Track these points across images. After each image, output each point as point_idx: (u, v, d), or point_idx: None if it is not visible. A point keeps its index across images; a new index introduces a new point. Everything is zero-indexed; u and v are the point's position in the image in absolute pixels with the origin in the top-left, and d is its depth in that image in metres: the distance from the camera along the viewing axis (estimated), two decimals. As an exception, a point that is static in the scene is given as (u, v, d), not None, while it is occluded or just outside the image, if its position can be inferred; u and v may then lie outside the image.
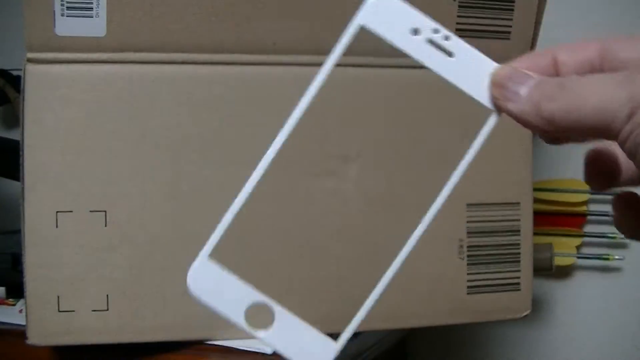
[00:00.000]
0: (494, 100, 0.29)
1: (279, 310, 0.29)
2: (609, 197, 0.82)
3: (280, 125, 0.31)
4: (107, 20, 0.51)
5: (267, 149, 0.31)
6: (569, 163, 0.84)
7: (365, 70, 0.55)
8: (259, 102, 0.54)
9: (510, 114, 0.29)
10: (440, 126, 0.57)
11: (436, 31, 0.29)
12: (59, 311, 0.51)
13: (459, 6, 0.55)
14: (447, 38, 0.29)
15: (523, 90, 0.28)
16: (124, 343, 0.53)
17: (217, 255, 0.29)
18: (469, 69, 0.29)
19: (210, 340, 0.54)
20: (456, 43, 0.29)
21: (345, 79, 0.55)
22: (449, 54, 0.29)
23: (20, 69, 0.51)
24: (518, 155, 0.59)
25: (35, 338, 0.51)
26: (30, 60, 0.51)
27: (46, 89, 0.51)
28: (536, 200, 0.76)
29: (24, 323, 0.51)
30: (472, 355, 0.90)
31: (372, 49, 0.55)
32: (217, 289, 0.28)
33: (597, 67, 0.29)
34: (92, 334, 0.52)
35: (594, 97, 0.26)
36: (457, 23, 0.56)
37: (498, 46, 0.57)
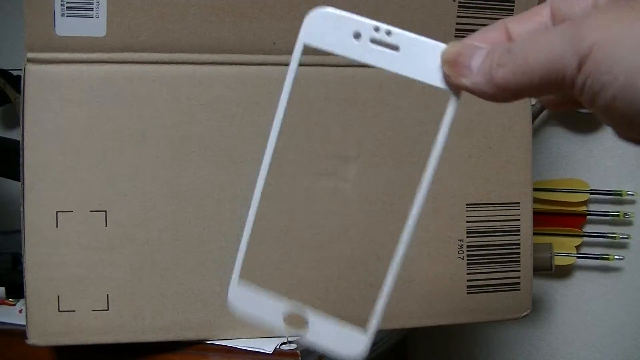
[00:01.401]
0: (448, 79, 0.29)
1: (310, 312, 0.31)
2: (609, 197, 0.82)
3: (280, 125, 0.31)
4: (107, 20, 0.51)
5: (266, 149, 0.32)
6: (569, 163, 0.84)
7: (366, 70, 0.55)
8: (259, 102, 0.54)
9: (466, 89, 0.28)
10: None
11: (377, 29, 0.29)
12: (59, 311, 0.51)
13: (459, 6, 0.55)
14: (388, 33, 0.29)
15: (474, 63, 0.28)
16: (124, 343, 0.53)
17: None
18: (419, 57, 0.29)
19: (210, 340, 0.54)
20: (399, 35, 0.29)
21: (345, 79, 0.55)
22: (395, 47, 0.29)
23: (20, 69, 0.51)
24: (518, 155, 0.59)
25: (35, 338, 0.51)
26: (30, 60, 0.51)
27: (46, 89, 0.51)
28: (536, 200, 0.76)
29: (24, 323, 0.51)
30: (472, 355, 0.90)
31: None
32: (255, 303, 0.32)
33: None
34: (92, 334, 0.52)
35: (541, 55, 0.26)
36: (457, 23, 0.56)
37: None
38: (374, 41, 0.29)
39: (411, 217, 0.33)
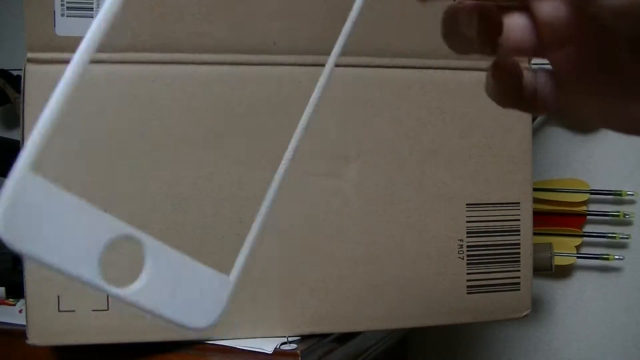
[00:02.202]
0: None
1: (150, 244, 0.19)
2: (610, 197, 0.82)
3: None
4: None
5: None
6: (569, 163, 0.84)
7: (365, 70, 0.55)
8: (259, 102, 0.54)
9: None
10: (439, 125, 0.57)
11: None
12: (59, 311, 0.51)
13: (459, 6, 0.55)
14: None
15: None
16: (124, 343, 0.53)
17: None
18: None
19: (210, 340, 0.54)
20: None
21: (345, 79, 0.55)
22: None
23: (20, 69, 0.51)
24: (518, 155, 0.59)
25: (35, 338, 0.51)
26: (30, 60, 0.51)
27: (46, 89, 0.51)
28: (536, 200, 0.76)
29: (24, 323, 0.51)
30: (472, 355, 0.90)
31: (372, 49, 0.55)
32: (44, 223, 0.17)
33: None
34: (92, 334, 0.52)
35: None
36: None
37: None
38: None
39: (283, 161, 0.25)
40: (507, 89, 0.28)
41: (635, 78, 0.26)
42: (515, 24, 0.27)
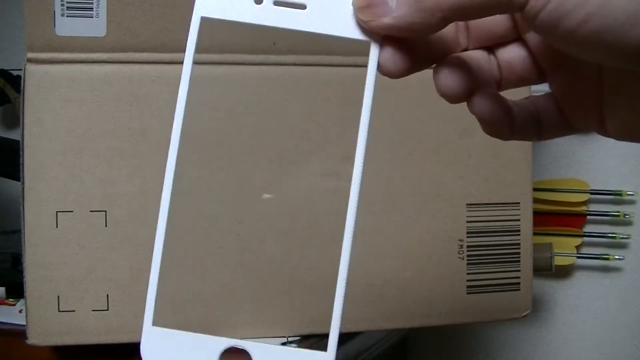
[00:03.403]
0: (367, 26, 0.26)
1: (252, 346, 0.27)
2: (610, 197, 0.82)
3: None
4: (107, 20, 0.51)
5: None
6: (569, 163, 0.84)
7: (365, 70, 0.55)
8: (259, 102, 0.54)
9: (390, 29, 0.25)
10: (439, 125, 0.57)
11: None
12: (59, 311, 0.51)
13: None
14: None
15: None
16: (124, 343, 0.53)
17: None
18: (329, 11, 0.26)
19: (210, 340, 0.54)
20: None
21: (345, 79, 0.55)
22: (301, 6, 0.26)
23: (20, 69, 0.51)
24: (518, 155, 0.59)
25: (35, 338, 0.51)
26: (30, 60, 0.51)
27: (46, 89, 0.51)
28: (536, 200, 0.76)
29: (24, 323, 0.51)
30: (472, 355, 0.90)
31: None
32: (178, 352, 0.27)
33: None
34: (92, 334, 0.52)
35: None
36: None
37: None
38: (277, 3, 0.27)
39: (350, 207, 0.30)
40: (501, 124, 0.29)
41: (632, 91, 0.26)
42: (514, 56, 0.29)
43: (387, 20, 0.25)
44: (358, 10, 0.26)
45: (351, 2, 0.26)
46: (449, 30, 0.28)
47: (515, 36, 0.29)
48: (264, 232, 0.54)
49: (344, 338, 0.59)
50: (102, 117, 0.52)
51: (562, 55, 0.26)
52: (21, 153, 0.51)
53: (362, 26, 0.26)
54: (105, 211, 0.52)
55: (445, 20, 0.24)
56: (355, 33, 0.27)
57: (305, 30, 0.27)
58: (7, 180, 0.75)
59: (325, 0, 0.26)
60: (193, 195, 0.53)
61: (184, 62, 0.30)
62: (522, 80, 0.29)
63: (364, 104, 0.27)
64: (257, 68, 0.54)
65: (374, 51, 0.27)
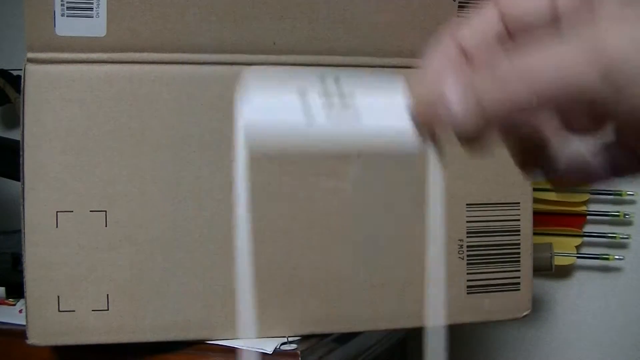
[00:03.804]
0: (428, 127, 0.26)
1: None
2: (610, 197, 0.82)
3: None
4: (107, 20, 0.51)
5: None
6: (569, 163, 0.84)
7: (365, 70, 0.55)
8: (259, 102, 0.54)
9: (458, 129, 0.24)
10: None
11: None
12: (59, 311, 0.51)
13: (459, 6, 0.55)
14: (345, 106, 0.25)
15: (453, 103, 0.24)
16: (124, 343, 0.53)
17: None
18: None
19: (210, 340, 0.54)
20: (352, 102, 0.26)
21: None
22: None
23: (20, 69, 0.51)
24: (518, 155, 0.59)
25: (35, 338, 0.51)
26: (30, 60, 0.51)
27: (46, 89, 0.51)
28: (536, 200, 0.76)
29: (24, 323, 0.51)
30: (472, 355, 0.90)
31: (371, 49, 0.55)
32: None
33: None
34: (92, 334, 0.52)
35: (551, 69, 0.22)
36: (457, 23, 0.56)
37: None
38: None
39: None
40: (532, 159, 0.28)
41: None
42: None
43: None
44: (420, 124, 0.26)
45: (406, 114, 0.26)
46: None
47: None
48: (264, 232, 0.54)
49: (344, 338, 0.59)
50: (102, 117, 0.52)
51: None
52: (21, 153, 0.51)
53: (421, 132, 0.26)
54: (105, 211, 0.52)
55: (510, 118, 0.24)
56: (409, 141, 0.26)
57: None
58: (7, 180, 0.75)
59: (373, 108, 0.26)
60: (192, 195, 0.53)
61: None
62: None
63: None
64: (257, 68, 0.54)
65: (433, 151, 0.26)
